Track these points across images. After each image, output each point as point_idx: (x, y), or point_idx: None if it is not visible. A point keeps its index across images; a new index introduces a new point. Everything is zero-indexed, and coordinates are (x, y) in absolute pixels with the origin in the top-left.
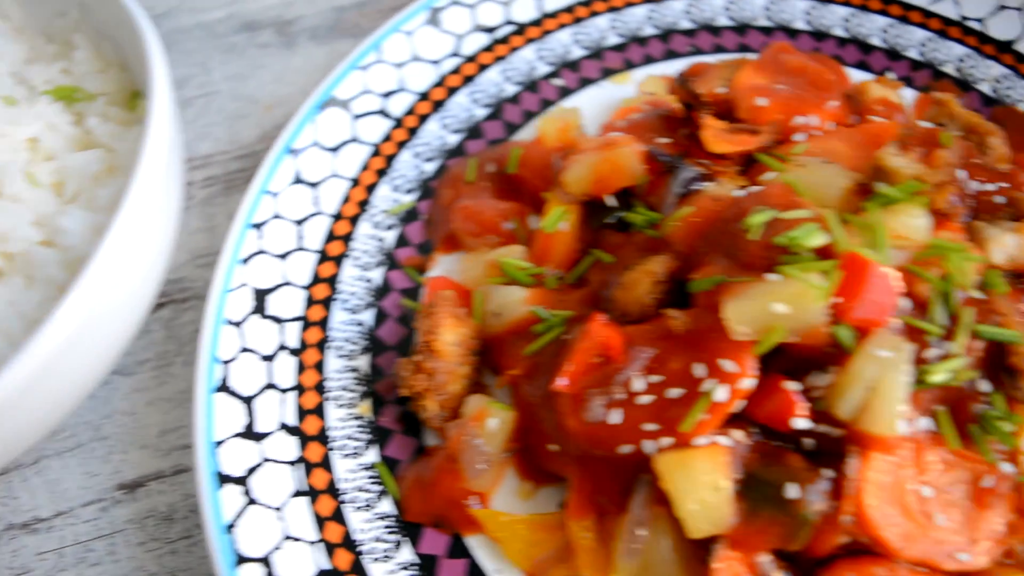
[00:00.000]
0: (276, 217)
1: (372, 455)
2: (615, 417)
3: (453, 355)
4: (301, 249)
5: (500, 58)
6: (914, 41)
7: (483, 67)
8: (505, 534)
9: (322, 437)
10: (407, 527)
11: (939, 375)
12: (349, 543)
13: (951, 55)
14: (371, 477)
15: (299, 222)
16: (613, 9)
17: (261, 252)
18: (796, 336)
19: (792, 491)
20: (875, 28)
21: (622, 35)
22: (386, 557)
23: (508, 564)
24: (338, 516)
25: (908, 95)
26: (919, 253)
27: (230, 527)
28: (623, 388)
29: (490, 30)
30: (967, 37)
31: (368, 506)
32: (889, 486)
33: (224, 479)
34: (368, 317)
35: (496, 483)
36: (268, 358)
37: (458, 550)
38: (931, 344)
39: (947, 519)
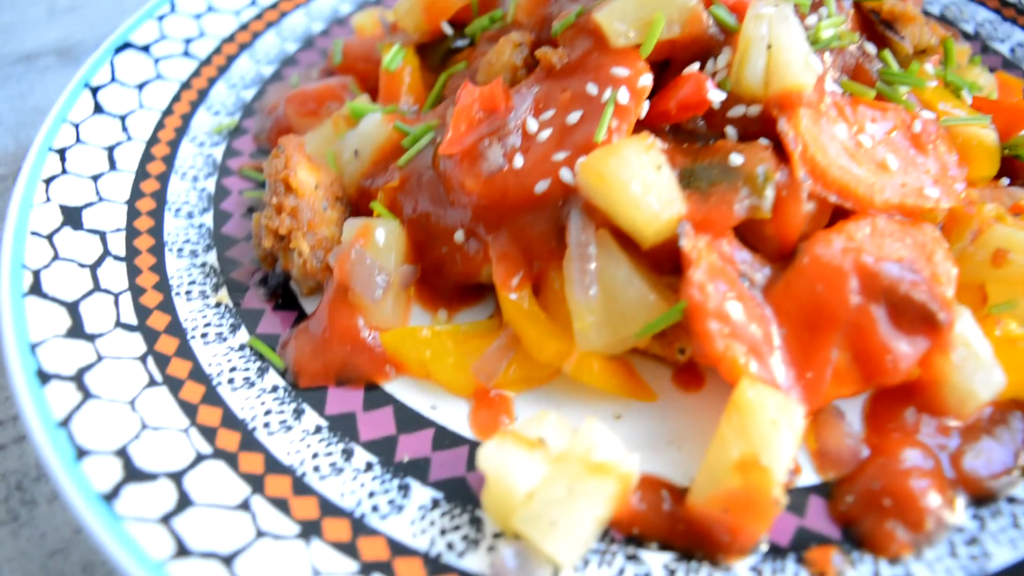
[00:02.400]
0: (79, 143)
1: (242, 337)
2: (519, 161)
3: (315, 196)
4: (113, 170)
5: (300, 4)
6: None
7: (285, 12)
8: (431, 353)
9: (174, 330)
10: (304, 393)
11: (827, 31)
12: (232, 422)
13: None
14: (246, 357)
15: (109, 148)
16: None
17: (64, 174)
18: (677, 26)
19: (736, 159)
20: None
21: None
22: (286, 427)
23: (443, 393)
24: (212, 398)
25: None
26: None
27: (64, 423)
28: (518, 132)
29: None
30: None
31: (249, 383)
32: (829, 137)
33: (48, 377)
34: (208, 219)
35: (404, 318)
36: (91, 266)
37: (377, 399)
38: (806, 16)
39: (899, 161)
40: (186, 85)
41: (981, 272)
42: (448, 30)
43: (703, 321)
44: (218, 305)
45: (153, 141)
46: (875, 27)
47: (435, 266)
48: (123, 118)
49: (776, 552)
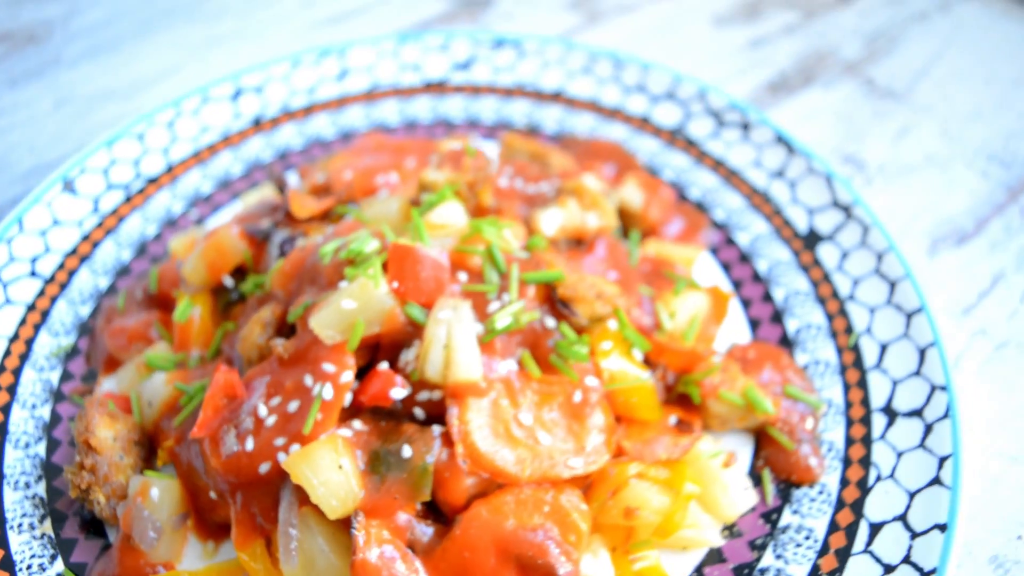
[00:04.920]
0: None
1: (58, 567)
2: (250, 444)
3: (112, 449)
4: None
5: (137, 207)
6: (489, 111)
7: (123, 217)
8: None
9: (6, 564)
10: None
11: (502, 320)
12: None
13: (520, 113)
14: None
15: None
16: (232, 146)
17: None
18: (377, 325)
19: (407, 451)
20: (458, 109)
21: (246, 163)
22: None
23: None
24: None
25: (493, 148)
26: (463, 236)
27: None
28: (251, 418)
29: (125, 186)
30: (527, 94)
31: None
32: (490, 423)
33: None
34: (41, 449)
35: (178, 551)
36: None
37: None
38: (491, 300)
39: (551, 437)
40: (31, 307)
41: (619, 521)
42: (229, 283)
43: None
44: (42, 536)
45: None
46: (554, 302)
47: (202, 509)
48: None
49: None
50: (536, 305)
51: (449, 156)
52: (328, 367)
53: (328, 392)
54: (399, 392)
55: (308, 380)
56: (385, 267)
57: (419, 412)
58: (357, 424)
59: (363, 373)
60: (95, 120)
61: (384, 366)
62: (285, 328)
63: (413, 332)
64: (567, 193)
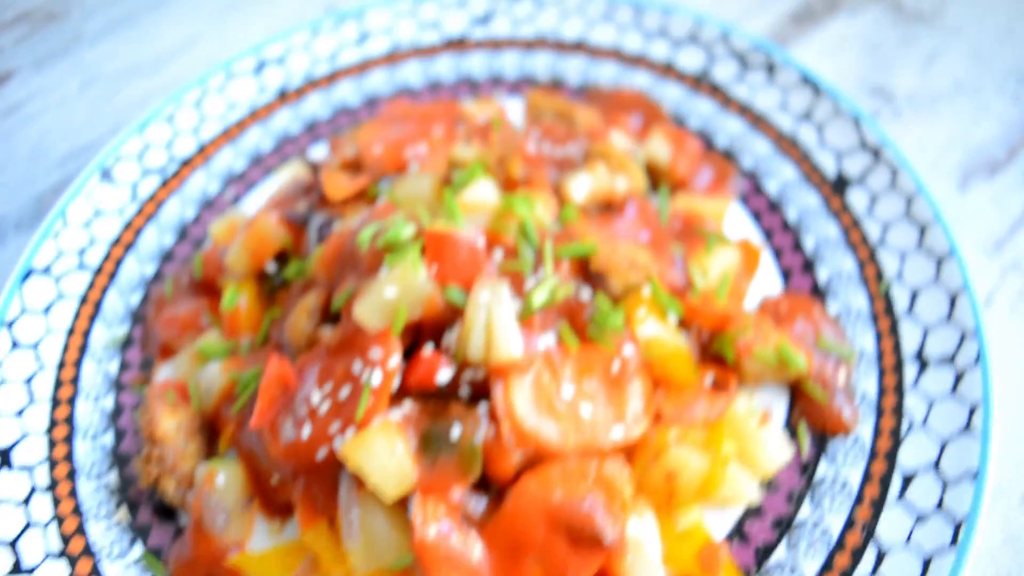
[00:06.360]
0: (1, 383)
1: (137, 551)
2: (306, 432)
3: (176, 438)
4: (32, 403)
5: (174, 191)
6: (511, 66)
7: (161, 202)
8: (261, 568)
9: (88, 552)
10: None
11: (539, 297)
12: None
13: (542, 67)
14: (140, 569)
15: (27, 381)
16: (259, 121)
17: None
18: (419, 310)
19: (456, 431)
20: (481, 66)
21: (275, 138)
22: None
23: None
24: None
25: (518, 105)
26: (496, 213)
27: None
28: (305, 405)
29: (160, 170)
30: (548, 45)
31: None
32: (533, 398)
33: None
34: (109, 439)
35: (248, 530)
36: (23, 503)
37: None
38: (528, 277)
39: (591, 407)
40: (83, 299)
41: (661, 485)
42: (272, 268)
43: (425, 567)
44: (119, 523)
45: (61, 365)
46: (588, 274)
47: (267, 491)
48: (35, 347)
49: None
50: (571, 277)
51: (477, 130)
52: (375, 353)
53: (377, 378)
54: (445, 374)
55: (357, 367)
56: (423, 251)
57: (465, 391)
58: (406, 405)
59: (408, 354)
60: (123, 98)
61: (429, 349)
62: (330, 313)
63: (454, 314)
64: (595, 157)
